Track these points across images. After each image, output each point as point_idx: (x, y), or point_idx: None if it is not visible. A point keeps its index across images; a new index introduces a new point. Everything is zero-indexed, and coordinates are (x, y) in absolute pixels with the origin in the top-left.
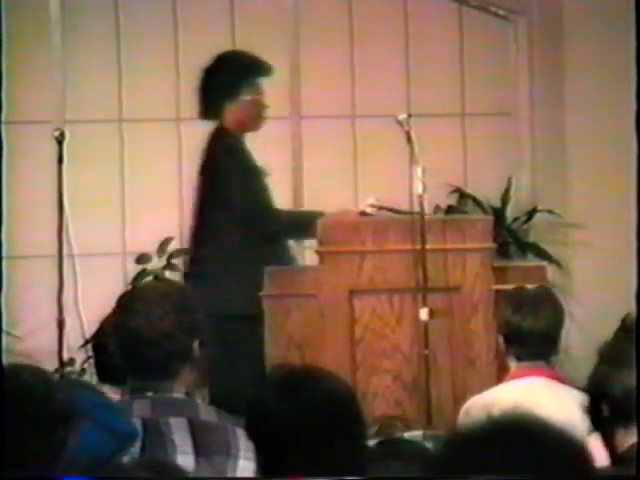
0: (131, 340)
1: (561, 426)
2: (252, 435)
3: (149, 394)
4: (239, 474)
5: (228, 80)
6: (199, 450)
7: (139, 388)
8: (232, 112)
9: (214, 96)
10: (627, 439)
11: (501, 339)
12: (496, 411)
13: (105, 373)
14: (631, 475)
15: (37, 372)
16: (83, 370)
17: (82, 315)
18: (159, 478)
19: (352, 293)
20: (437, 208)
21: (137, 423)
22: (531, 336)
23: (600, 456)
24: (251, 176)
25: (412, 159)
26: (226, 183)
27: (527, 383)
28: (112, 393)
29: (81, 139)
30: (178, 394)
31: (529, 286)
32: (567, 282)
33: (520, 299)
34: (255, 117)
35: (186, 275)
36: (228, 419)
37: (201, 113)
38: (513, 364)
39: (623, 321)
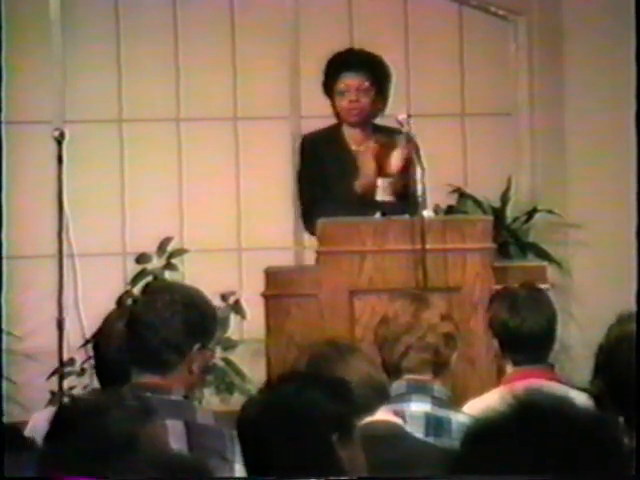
0: (133, 322)
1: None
2: (243, 436)
3: (147, 394)
4: None
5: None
6: (195, 454)
7: (138, 386)
8: None
9: None
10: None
11: (495, 343)
12: (505, 403)
13: (104, 375)
14: (631, 475)
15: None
16: (83, 370)
17: (82, 315)
18: (163, 477)
19: (352, 293)
20: (437, 208)
21: None
22: (530, 341)
23: None
24: None
25: (413, 160)
26: None
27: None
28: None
29: (81, 139)
30: (176, 396)
31: (517, 285)
32: (567, 282)
33: (515, 301)
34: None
35: None
36: (226, 422)
37: None
38: (509, 367)
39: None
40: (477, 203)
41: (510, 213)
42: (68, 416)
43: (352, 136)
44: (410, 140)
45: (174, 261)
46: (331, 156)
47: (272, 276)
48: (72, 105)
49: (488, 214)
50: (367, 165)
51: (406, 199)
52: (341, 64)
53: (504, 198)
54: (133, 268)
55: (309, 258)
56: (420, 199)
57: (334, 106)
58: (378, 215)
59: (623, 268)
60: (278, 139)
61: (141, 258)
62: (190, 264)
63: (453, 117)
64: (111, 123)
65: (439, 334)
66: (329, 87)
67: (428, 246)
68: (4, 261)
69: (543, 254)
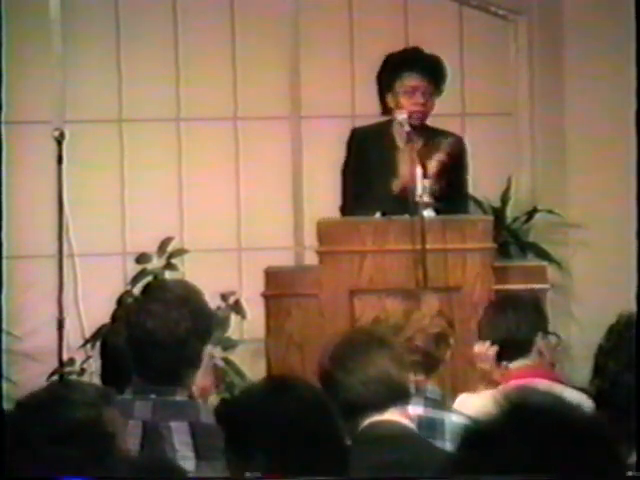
0: (144, 342)
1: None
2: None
3: (152, 396)
4: None
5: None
6: (200, 454)
7: (142, 390)
8: None
9: None
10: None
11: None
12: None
13: (110, 375)
14: (631, 475)
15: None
16: (83, 370)
17: (82, 315)
18: (159, 478)
19: (352, 293)
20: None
21: (137, 425)
22: (499, 341)
23: None
24: None
25: (413, 159)
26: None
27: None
28: None
29: (81, 139)
30: (180, 397)
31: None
32: (567, 282)
33: (491, 304)
34: None
35: None
36: None
37: None
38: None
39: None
40: (477, 203)
41: (510, 213)
42: (25, 410)
43: (401, 134)
44: (459, 142)
45: (174, 261)
46: (377, 152)
47: (272, 276)
48: (72, 105)
49: (488, 214)
50: (410, 165)
51: (448, 201)
52: (405, 63)
53: (504, 198)
54: (133, 268)
55: (309, 258)
56: (420, 199)
57: (385, 102)
58: (378, 215)
59: (623, 268)
60: (278, 139)
61: (141, 258)
62: (190, 264)
63: (453, 117)
64: (111, 123)
65: (429, 335)
66: (386, 84)
67: (428, 246)
68: (4, 261)
69: (543, 254)
